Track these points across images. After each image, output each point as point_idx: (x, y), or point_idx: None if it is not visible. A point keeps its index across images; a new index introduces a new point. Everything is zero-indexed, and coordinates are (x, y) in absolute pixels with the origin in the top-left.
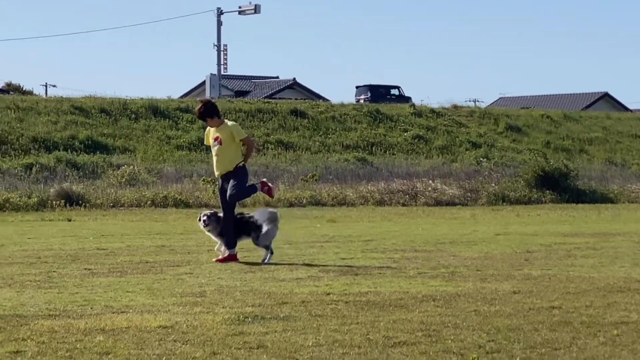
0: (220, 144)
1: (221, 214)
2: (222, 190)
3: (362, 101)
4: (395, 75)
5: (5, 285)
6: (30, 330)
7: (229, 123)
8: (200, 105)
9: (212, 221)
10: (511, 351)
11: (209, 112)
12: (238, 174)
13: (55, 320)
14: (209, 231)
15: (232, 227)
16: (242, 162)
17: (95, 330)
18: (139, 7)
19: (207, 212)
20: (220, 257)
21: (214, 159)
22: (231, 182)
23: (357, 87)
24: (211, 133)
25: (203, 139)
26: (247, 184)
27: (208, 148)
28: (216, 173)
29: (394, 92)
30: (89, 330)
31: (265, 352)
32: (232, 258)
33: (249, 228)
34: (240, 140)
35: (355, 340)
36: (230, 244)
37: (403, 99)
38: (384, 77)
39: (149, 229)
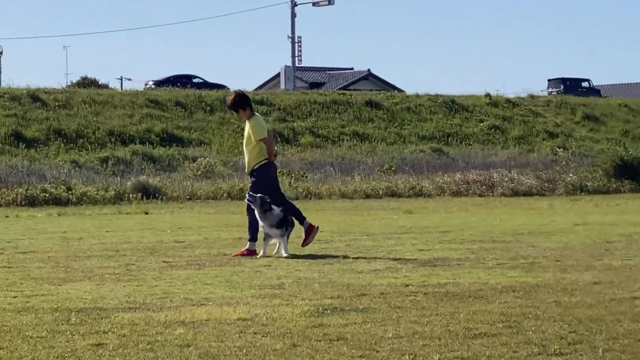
0: (245, 139)
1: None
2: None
3: (554, 93)
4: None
5: (85, 278)
6: (111, 323)
7: (252, 121)
8: (232, 97)
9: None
10: (593, 342)
11: (240, 104)
12: (258, 175)
13: (135, 312)
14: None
15: (256, 223)
16: (263, 161)
17: (175, 322)
18: (213, 1)
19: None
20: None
21: (244, 155)
22: (252, 185)
23: (549, 80)
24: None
25: (279, 131)
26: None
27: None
28: (246, 169)
29: (585, 84)
30: (169, 322)
31: (345, 344)
32: (251, 253)
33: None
34: (259, 141)
35: (435, 332)
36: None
37: (593, 91)
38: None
39: (225, 221)
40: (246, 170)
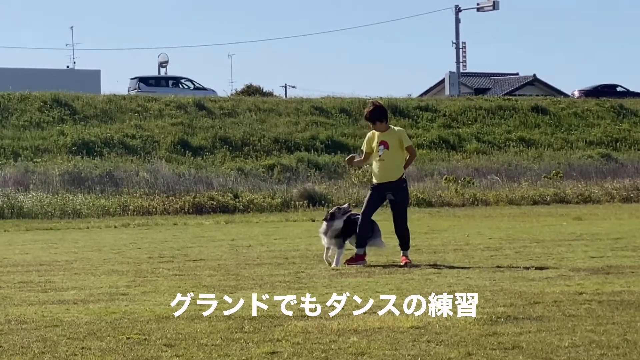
0: (387, 148)
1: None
2: (377, 196)
3: None
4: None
5: (256, 286)
6: (285, 331)
7: (396, 128)
8: (371, 107)
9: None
10: None
11: (380, 115)
12: (402, 190)
13: (308, 321)
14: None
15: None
16: (404, 175)
17: (349, 330)
18: (375, 6)
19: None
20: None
21: (377, 163)
22: (400, 204)
23: None
24: (375, 138)
25: (444, 137)
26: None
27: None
28: (379, 179)
29: None
30: (342, 330)
31: (520, 353)
32: (360, 259)
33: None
34: (406, 148)
35: (612, 341)
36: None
37: None
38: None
39: (392, 228)
40: (380, 181)
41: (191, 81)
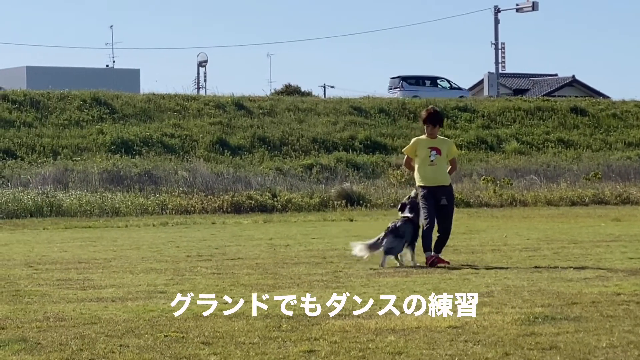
0: (439, 154)
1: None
2: (433, 200)
3: None
4: None
5: (294, 285)
6: (322, 329)
7: (447, 139)
8: (431, 110)
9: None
10: None
11: (440, 120)
12: (452, 195)
13: (345, 320)
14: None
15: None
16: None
17: (386, 330)
18: (414, 6)
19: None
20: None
21: (431, 167)
22: (450, 209)
23: None
24: (423, 143)
25: (483, 138)
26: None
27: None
28: (432, 182)
29: None
30: (379, 330)
31: (558, 354)
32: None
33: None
34: (451, 160)
35: None
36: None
37: None
38: None
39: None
40: (435, 184)
41: (448, 81)
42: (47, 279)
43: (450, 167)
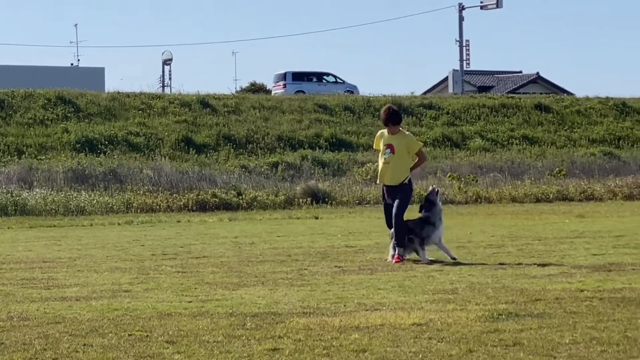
0: (393, 152)
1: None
2: (386, 201)
3: None
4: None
5: (259, 283)
6: (286, 327)
7: (406, 133)
8: (387, 109)
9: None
10: None
11: (396, 118)
12: (405, 191)
13: (309, 317)
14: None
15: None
16: (409, 178)
17: (350, 327)
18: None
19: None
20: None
21: (384, 166)
22: (397, 202)
23: None
24: (384, 138)
25: (448, 135)
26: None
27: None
28: (379, 180)
29: None
30: (343, 327)
31: (521, 350)
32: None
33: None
34: (416, 153)
35: (613, 338)
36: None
37: None
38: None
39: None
40: (383, 182)
41: (334, 76)
42: (11, 278)
43: (417, 160)
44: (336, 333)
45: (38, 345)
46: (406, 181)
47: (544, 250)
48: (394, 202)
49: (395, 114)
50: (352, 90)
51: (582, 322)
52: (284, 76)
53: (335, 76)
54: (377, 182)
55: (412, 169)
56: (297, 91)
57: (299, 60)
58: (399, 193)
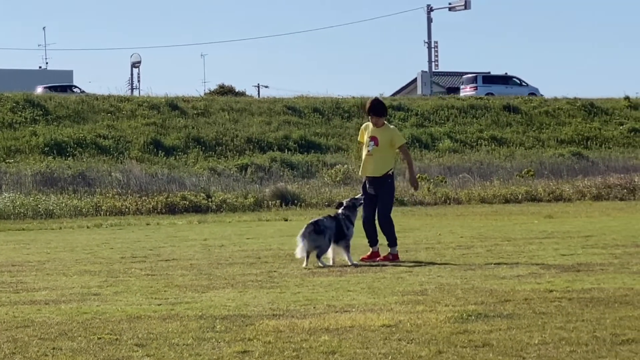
0: (377, 145)
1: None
2: (367, 192)
3: None
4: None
5: (228, 285)
6: (256, 330)
7: (391, 126)
8: (371, 100)
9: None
10: None
11: (381, 110)
12: (387, 185)
13: (279, 320)
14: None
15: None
16: (392, 169)
17: (320, 329)
18: (347, 6)
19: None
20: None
21: (367, 157)
22: (379, 204)
23: None
24: (369, 130)
25: (416, 136)
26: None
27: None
28: (361, 172)
29: None
30: (313, 329)
31: (491, 351)
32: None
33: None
34: (399, 148)
35: (582, 338)
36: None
37: None
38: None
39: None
40: (365, 173)
41: (519, 79)
42: None
43: (407, 162)
44: (306, 335)
45: (7, 349)
46: (390, 172)
47: (513, 251)
48: (375, 193)
49: (377, 105)
50: (534, 92)
51: (551, 323)
52: (474, 79)
53: (519, 79)
54: (360, 174)
55: (410, 172)
56: (487, 93)
57: (269, 62)
58: (380, 189)
